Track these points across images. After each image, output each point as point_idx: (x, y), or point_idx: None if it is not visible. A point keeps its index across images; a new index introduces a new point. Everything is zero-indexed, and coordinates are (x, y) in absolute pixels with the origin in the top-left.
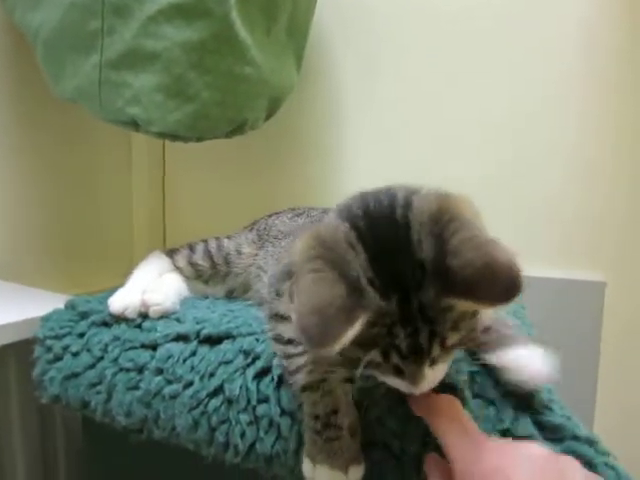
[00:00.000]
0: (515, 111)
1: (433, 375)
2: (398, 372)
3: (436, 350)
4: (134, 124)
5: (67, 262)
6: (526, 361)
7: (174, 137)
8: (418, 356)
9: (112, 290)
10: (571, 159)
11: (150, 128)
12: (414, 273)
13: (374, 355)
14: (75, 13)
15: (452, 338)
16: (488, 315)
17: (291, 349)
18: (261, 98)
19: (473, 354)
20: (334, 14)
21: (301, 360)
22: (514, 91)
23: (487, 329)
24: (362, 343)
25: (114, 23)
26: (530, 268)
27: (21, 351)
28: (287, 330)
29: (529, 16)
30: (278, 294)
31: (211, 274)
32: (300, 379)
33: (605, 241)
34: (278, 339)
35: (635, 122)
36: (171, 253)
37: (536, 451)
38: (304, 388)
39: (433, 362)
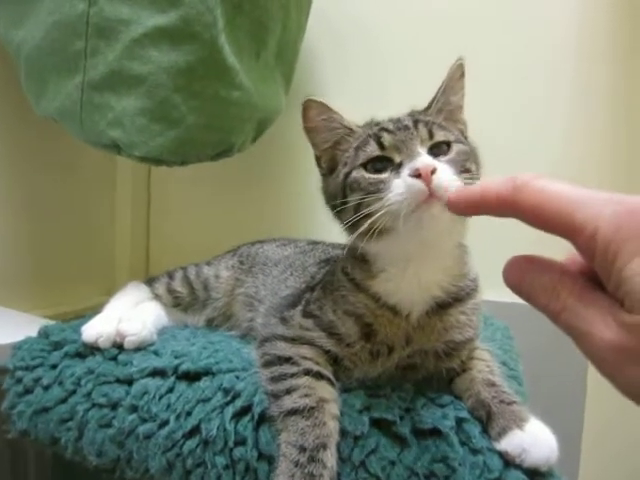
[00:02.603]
0: (501, 126)
1: (434, 163)
2: (398, 165)
3: (423, 131)
4: (116, 147)
5: (47, 280)
6: (528, 446)
7: (157, 161)
8: (405, 131)
9: (90, 316)
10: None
11: (132, 152)
12: None
13: (372, 147)
14: (58, 32)
15: (439, 132)
16: None
17: (287, 368)
18: (249, 122)
19: (460, 399)
20: (323, 36)
21: (297, 382)
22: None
23: (492, 384)
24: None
25: (98, 44)
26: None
27: None
28: (288, 349)
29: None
30: (285, 320)
31: (190, 301)
32: (289, 401)
33: None
34: (272, 361)
35: (622, 141)
36: (150, 281)
37: None
38: (293, 411)
39: (432, 149)
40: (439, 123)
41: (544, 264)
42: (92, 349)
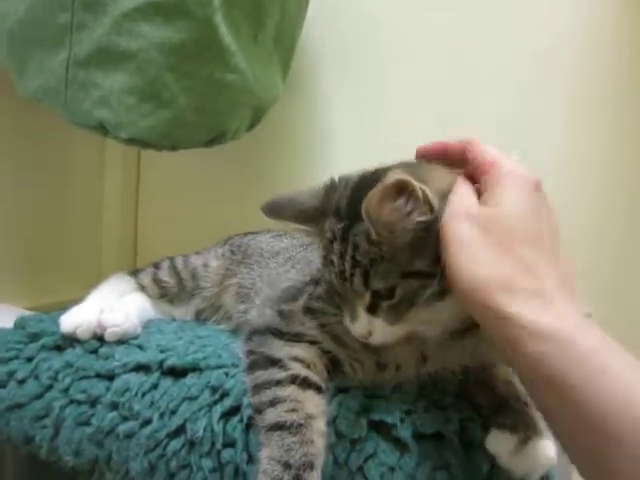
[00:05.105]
0: (500, 123)
1: (369, 325)
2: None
3: (358, 282)
4: (102, 128)
5: (29, 270)
6: (538, 463)
7: (146, 144)
8: (343, 283)
9: (71, 307)
10: (550, 187)
11: (119, 133)
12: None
13: (327, 272)
14: (43, 5)
15: (376, 281)
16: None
17: (273, 373)
18: (244, 107)
19: (463, 397)
20: (324, 24)
21: (283, 393)
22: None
23: (509, 383)
24: (322, 254)
25: (85, 18)
26: None
27: None
28: (279, 348)
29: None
30: (283, 314)
31: (177, 292)
32: (274, 415)
33: (589, 271)
34: (258, 363)
35: (619, 147)
36: (135, 273)
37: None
38: (279, 426)
39: (370, 309)
40: (378, 270)
41: None
42: (72, 341)
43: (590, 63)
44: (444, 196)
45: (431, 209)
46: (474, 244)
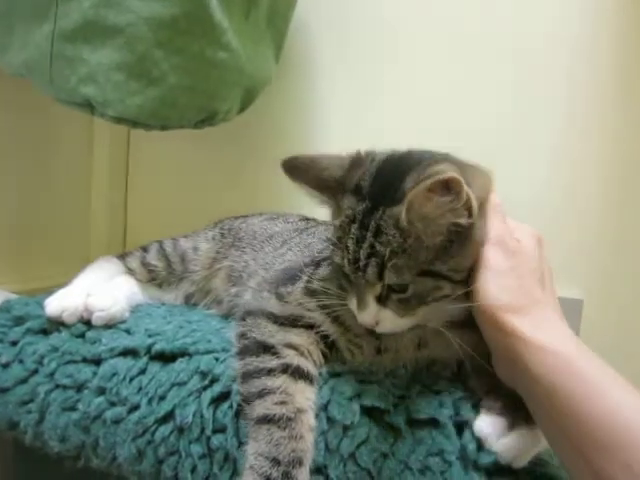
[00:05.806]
0: (497, 117)
1: (377, 316)
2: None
3: (372, 273)
4: (89, 106)
5: (16, 254)
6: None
7: (134, 123)
8: (356, 272)
9: (57, 290)
10: (550, 177)
11: (106, 111)
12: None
13: (338, 255)
14: None
15: (391, 275)
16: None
17: (265, 361)
18: (235, 87)
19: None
20: (318, 5)
21: (273, 383)
22: (498, 101)
23: None
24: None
25: None
26: None
27: None
28: (273, 333)
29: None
30: (280, 296)
31: (166, 276)
32: (262, 407)
33: (582, 259)
34: (250, 349)
35: (616, 143)
36: (122, 256)
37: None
38: (267, 419)
39: (381, 300)
40: (396, 264)
41: None
42: (57, 325)
43: (590, 62)
44: (482, 205)
45: (470, 214)
46: (506, 275)
